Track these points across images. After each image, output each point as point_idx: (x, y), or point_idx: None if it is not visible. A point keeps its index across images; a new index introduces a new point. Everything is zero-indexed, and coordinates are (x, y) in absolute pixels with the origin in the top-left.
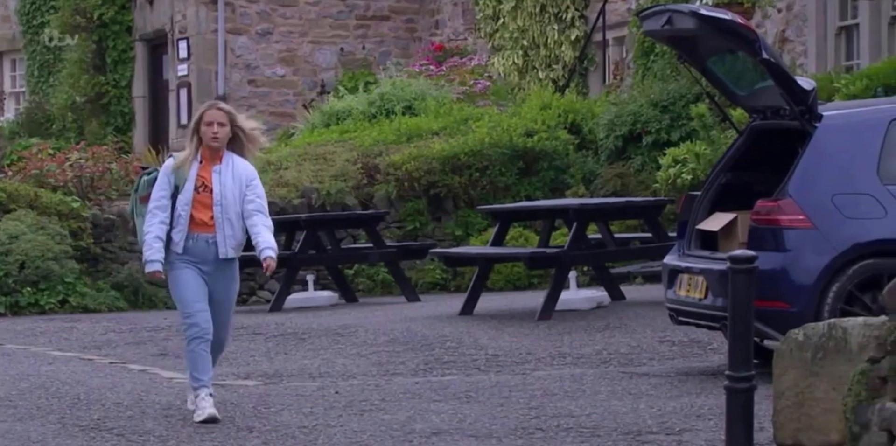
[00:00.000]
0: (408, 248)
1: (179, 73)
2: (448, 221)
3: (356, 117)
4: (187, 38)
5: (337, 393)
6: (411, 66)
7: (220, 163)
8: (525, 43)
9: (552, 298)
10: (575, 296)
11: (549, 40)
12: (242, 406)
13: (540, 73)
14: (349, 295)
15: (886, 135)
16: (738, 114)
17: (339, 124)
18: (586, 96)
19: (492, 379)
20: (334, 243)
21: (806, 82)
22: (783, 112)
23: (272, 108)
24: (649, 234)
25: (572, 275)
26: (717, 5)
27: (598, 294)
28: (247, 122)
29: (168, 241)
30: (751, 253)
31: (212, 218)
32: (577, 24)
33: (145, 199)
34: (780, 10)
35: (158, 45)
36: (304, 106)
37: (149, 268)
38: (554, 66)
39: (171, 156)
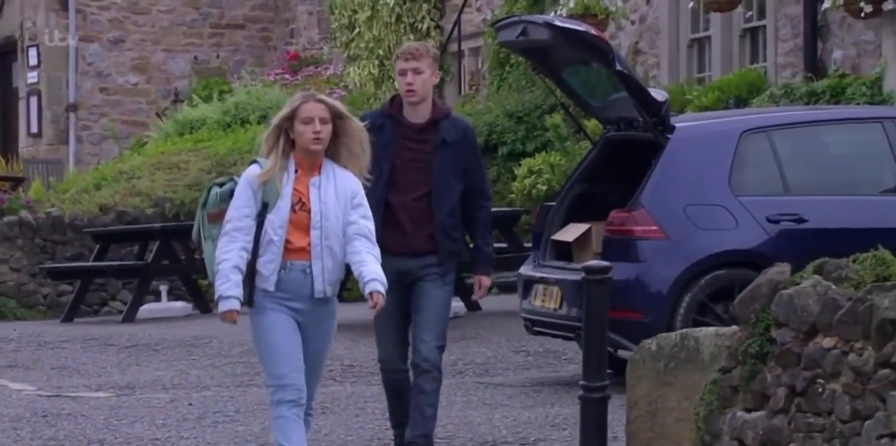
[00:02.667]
0: None
1: (29, 81)
2: None
3: (210, 126)
4: (37, 46)
5: (190, 404)
6: (266, 75)
7: (319, 173)
8: (381, 53)
9: None
10: None
11: None
12: (94, 418)
13: (396, 84)
14: (203, 305)
15: (738, 147)
16: (592, 125)
17: (193, 133)
18: None
19: (347, 390)
20: (188, 253)
21: (659, 94)
22: (636, 123)
23: (125, 117)
24: (505, 245)
25: None
26: (571, 17)
27: (455, 304)
28: (354, 120)
29: (251, 275)
30: (605, 263)
31: (309, 244)
32: (433, 34)
33: (216, 218)
34: (633, 22)
35: (8, 53)
36: (158, 115)
37: (224, 306)
38: None
39: (254, 161)
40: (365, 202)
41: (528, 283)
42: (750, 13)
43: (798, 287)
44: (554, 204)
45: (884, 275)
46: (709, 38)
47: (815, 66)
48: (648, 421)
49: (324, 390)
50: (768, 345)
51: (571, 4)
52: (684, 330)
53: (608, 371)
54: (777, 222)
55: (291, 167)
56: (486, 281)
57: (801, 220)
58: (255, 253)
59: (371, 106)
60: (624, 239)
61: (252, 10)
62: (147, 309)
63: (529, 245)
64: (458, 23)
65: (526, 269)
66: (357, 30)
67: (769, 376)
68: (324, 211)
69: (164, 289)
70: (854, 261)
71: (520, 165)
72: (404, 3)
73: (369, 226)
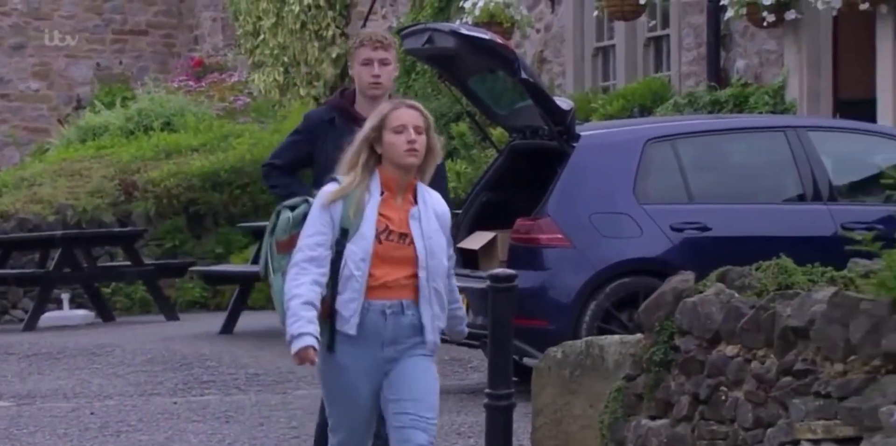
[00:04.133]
0: (166, 266)
1: None
2: (208, 239)
3: (113, 133)
4: None
5: (92, 414)
6: (170, 82)
7: (415, 200)
8: (286, 60)
9: None
10: None
11: (309, 57)
12: None
13: (301, 91)
14: (106, 313)
15: (642, 156)
16: (498, 133)
17: (95, 140)
18: None
19: (252, 399)
20: (90, 261)
21: (564, 102)
22: (542, 132)
23: (26, 124)
24: None
25: None
26: (477, 25)
27: None
28: (438, 136)
29: (330, 315)
30: (511, 271)
31: (410, 278)
32: (338, 41)
33: (287, 247)
34: (538, 31)
35: None
36: (60, 121)
37: (298, 345)
38: (315, 84)
39: (332, 179)
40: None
41: None
42: (654, 22)
43: (701, 295)
44: (460, 212)
45: (786, 284)
46: (613, 46)
47: (718, 75)
48: (553, 428)
49: (228, 399)
50: (672, 353)
51: (477, 13)
52: (589, 337)
53: (513, 379)
54: (681, 230)
55: (376, 187)
56: None
57: (705, 229)
58: (333, 289)
59: (277, 113)
60: (529, 247)
61: (155, 16)
62: (48, 317)
63: None
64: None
65: None
66: (262, 37)
67: (673, 384)
68: (429, 248)
69: (65, 297)
70: (757, 270)
71: None
72: (309, 11)
73: (452, 260)
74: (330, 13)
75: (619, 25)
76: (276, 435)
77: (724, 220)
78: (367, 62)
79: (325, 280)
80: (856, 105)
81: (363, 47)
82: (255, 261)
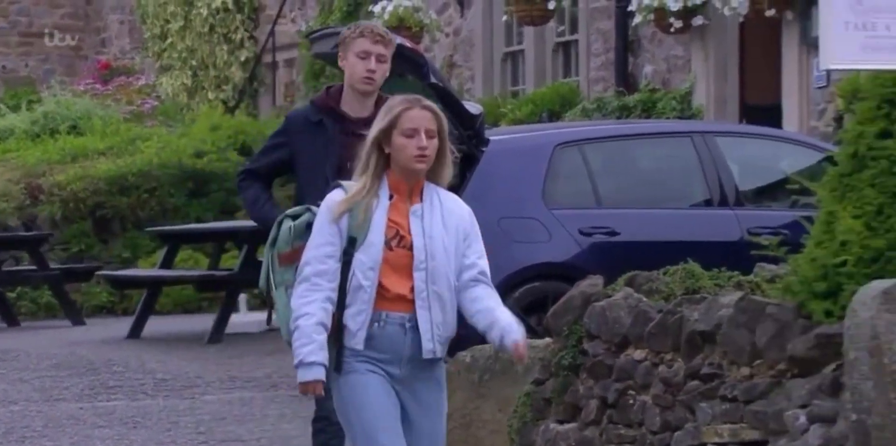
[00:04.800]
0: (72, 271)
1: None
2: (115, 243)
3: (19, 136)
4: None
5: None
6: (76, 85)
7: (421, 200)
8: (194, 63)
9: (222, 321)
10: (245, 319)
11: (218, 61)
12: None
13: (209, 94)
14: (11, 318)
15: (551, 160)
16: None
17: (0, 143)
18: (257, 118)
19: (160, 404)
20: None
21: (473, 107)
22: (451, 136)
23: None
24: None
25: (242, 297)
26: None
27: (265, 317)
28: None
29: (337, 331)
30: None
31: (412, 290)
32: (247, 45)
33: (290, 259)
34: (447, 35)
35: None
36: None
37: (306, 375)
38: (224, 87)
39: (336, 185)
40: (480, 236)
41: None
42: (562, 27)
43: (610, 299)
44: None
45: (693, 288)
46: (522, 51)
47: (626, 80)
48: (463, 432)
49: (135, 404)
50: (581, 357)
51: (386, 17)
52: None
53: None
54: (590, 235)
55: (384, 192)
56: None
57: (613, 233)
58: (340, 303)
59: (185, 116)
60: None
61: (62, 19)
62: None
63: None
64: (272, 34)
65: None
66: (169, 40)
67: (581, 388)
68: (429, 247)
69: None
70: (664, 274)
71: None
72: (217, 14)
73: (486, 268)
74: (238, 16)
75: (528, 30)
76: (184, 441)
77: (633, 225)
78: (364, 55)
79: (335, 296)
80: (762, 110)
81: (362, 38)
82: (164, 265)
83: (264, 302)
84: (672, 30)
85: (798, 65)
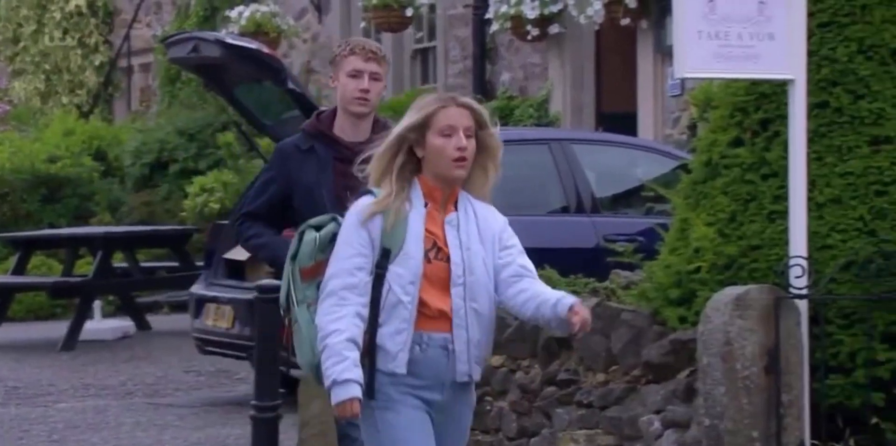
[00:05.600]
0: None
1: None
2: None
3: None
4: None
5: None
6: None
7: (455, 209)
8: (47, 67)
9: (76, 328)
10: (100, 325)
11: (72, 65)
12: None
13: (63, 98)
14: None
15: None
16: (265, 143)
17: None
18: (112, 123)
19: (11, 413)
20: None
21: None
22: None
23: None
24: (177, 263)
25: (97, 304)
26: (243, 34)
27: (124, 324)
28: (495, 130)
29: (370, 351)
30: (277, 282)
31: (451, 307)
32: (102, 49)
33: (313, 273)
34: (305, 41)
35: None
36: None
37: (342, 395)
38: (78, 92)
39: (365, 192)
40: (516, 239)
41: (200, 302)
42: (420, 34)
43: None
44: (227, 222)
45: None
46: None
47: (484, 87)
48: (321, 440)
49: None
50: None
51: (243, 22)
52: None
53: (281, 390)
54: None
55: (418, 198)
56: None
57: None
58: (373, 320)
59: (38, 121)
60: None
61: None
62: None
63: (202, 263)
64: (127, 38)
65: (198, 288)
66: (22, 43)
67: None
68: (468, 261)
69: None
70: None
71: (192, 183)
72: (72, 18)
73: (529, 265)
74: (93, 20)
75: (387, 37)
76: None
77: None
78: (356, 74)
79: (366, 312)
80: (618, 118)
81: (353, 56)
82: (17, 271)
83: (119, 308)
84: (529, 37)
85: (653, 73)
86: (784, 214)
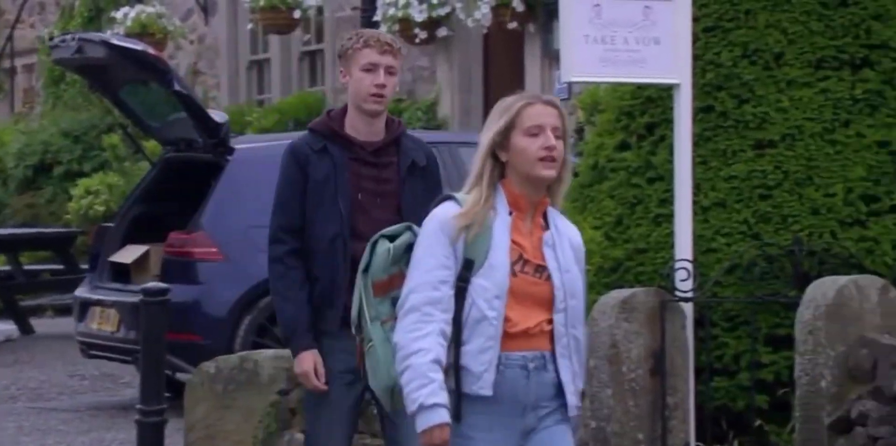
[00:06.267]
0: None
1: None
2: None
3: None
4: None
5: None
6: None
7: (545, 223)
8: None
9: None
10: None
11: None
12: None
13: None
14: None
15: None
16: (151, 145)
17: None
18: None
19: None
20: None
21: (218, 115)
22: (196, 144)
23: None
24: (61, 266)
25: None
26: (129, 35)
27: (7, 327)
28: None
29: (453, 372)
30: (163, 285)
31: (548, 324)
32: None
33: (387, 288)
34: (192, 42)
35: None
36: None
37: (430, 421)
38: None
39: (447, 197)
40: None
41: (85, 305)
42: (308, 36)
43: None
44: (112, 225)
45: None
46: (268, 60)
47: None
48: (207, 444)
49: None
50: None
51: (129, 23)
52: (244, 352)
53: (166, 394)
54: None
55: (503, 206)
56: None
57: None
58: (455, 338)
59: None
60: (183, 261)
61: None
62: None
63: (87, 266)
64: (10, 39)
65: (82, 291)
66: None
67: None
68: (569, 284)
69: None
70: None
71: (77, 185)
72: None
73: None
74: None
75: (274, 39)
76: None
77: None
78: (371, 67)
79: (450, 329)
80: None
81: (367, 49)
82: None
83: (1, 311)
84: (417, 40)
85: (540, 76)
86: (670, 218)
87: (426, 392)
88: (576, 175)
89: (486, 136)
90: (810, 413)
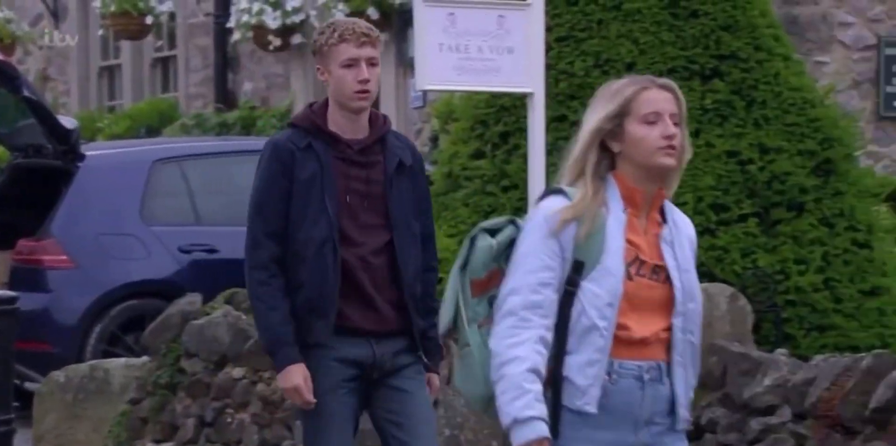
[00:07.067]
0: None
1: None
2: None
3: None
4: None
5: None
6: None
7: (663, 219)
8: None
9: None
10: None
11: None
12: None
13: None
14: None
15: (149, 177)
16: (0, 151)
17: None
18: None
19: None
20: None
21: (68, 121)
22: (45, 151)
23: None
24: None
25: None
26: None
27: None
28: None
29: (554, 383)
30: (11, 293)
31: (665, 331)
32: None
33: (484, 287)
34: (41, 48)
35: None
36: None
37: (526, 435)
38: None
39: (553, 191)
40: None
41: None
42: (160, 43)
43: (209, 317)
44: None
45: None
46: (119, 66)
47: (226, 97)
48: None
49: None
50: (179, 376)
51: None
52: (94, 361)
53: (14, 404)
54: (189, 252)
55: (616, 202)
56: (436, 379)
57: (213, 250)
58: (558, 347)
59: None
60: (32, 268)
61: None
62: None
63: None
64: None
65: None
66: None
67: (179, 407)
68: (687, 285)
69: None
70: None
71: None
72: None
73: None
74: None
75: (126, 45)
76: None
77: (232, 242)
78: (352, 63)
79: (551, 336)
80: None
81: (344, 43)
82: None
83: None
84: (271, 47)
85: (395, 84)
86: None
87: (520, 404)
88: (430, 183)
89: (591, 124)
90: None
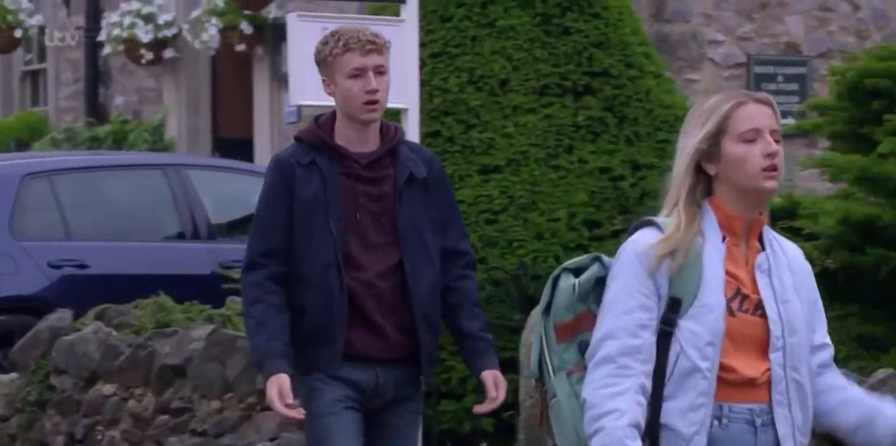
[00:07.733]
0: None
1: None
2: None
3: None
4: None
5: None
6: None
7: (761, 245)
8: None
9: None
10: None
11: None
12: None
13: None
14: None
15: (19, 191)
16: None
17: None
18: None
19: None
20: None
21: None
22: None
23: None
24: None
25: None
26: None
27: None
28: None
29: (651, 432)
30: None
31: (766, 373)
32: None
33: (569, 332)
34: None
35: None
36: None
37: None
38: None
39: (644, 223)
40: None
41: None
42: (30, 56)
43: (79, 333)
44: None
45: (164, 321)
46: None
47: (97, 111)
48: None
49: None
50: (48, 393)
51: None
52: None
53: None
54: (59, 267)
55: (713, 231)
56: (497, 376)
57: (83, 266)
58: (657, 392)
59: None
60: None
61: None
62: None
63: None
64: None
65: None
66: None
67: (48, 424)
68: (787, 317)
69: None
70: (136, 308)
71: None
72: None
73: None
74: None
75: None
76: None
77: (103, 258)
78: (358, 72)
79: (650, 383)
80: (235, 144)
81: (349, 53)
82: None
83: None
84: (143, 61)
85: (269, 99)
86: None
87: None
88: None
89: (689, 146)
90: (534, 434)
